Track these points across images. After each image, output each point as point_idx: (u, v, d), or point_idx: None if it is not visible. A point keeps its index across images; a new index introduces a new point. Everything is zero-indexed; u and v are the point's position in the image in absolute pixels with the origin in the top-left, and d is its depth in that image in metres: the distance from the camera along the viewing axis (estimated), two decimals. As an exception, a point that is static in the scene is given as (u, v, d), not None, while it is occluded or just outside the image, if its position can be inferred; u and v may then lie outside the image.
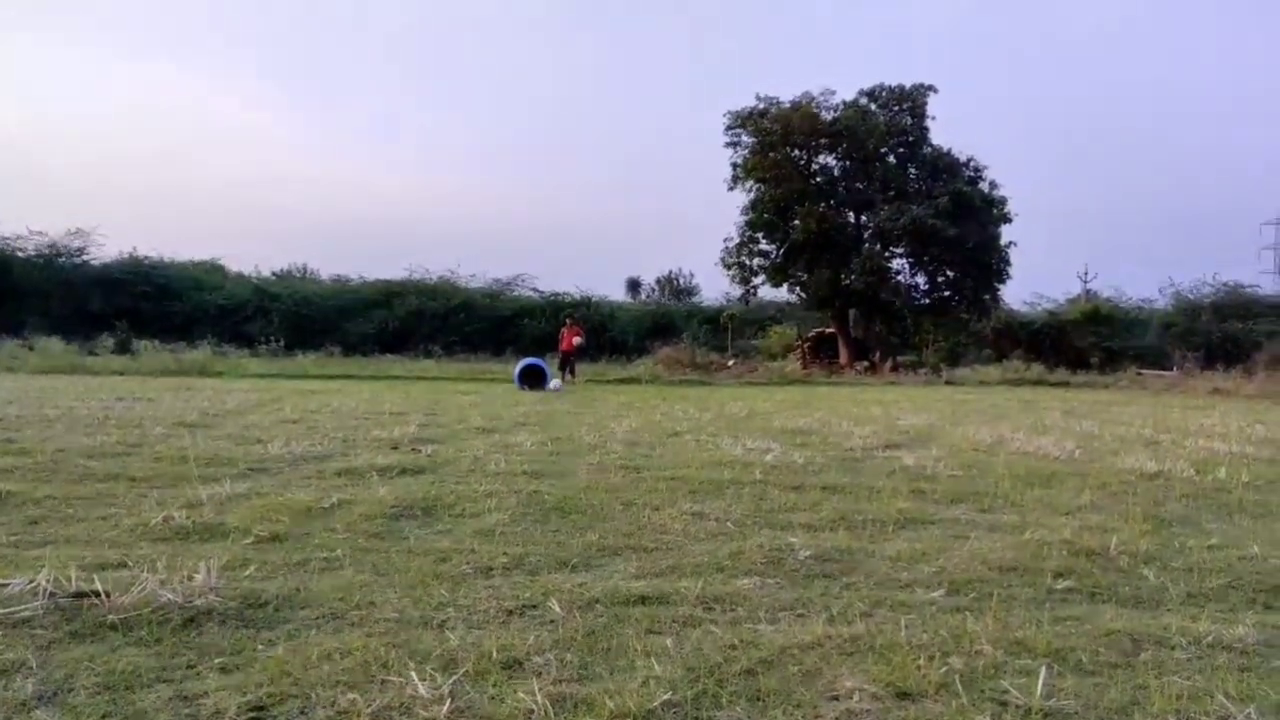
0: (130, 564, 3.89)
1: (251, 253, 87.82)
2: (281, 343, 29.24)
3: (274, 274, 39.38)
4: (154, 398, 13.40)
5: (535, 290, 38.74)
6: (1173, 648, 3.19)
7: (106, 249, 34.05)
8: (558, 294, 38.15)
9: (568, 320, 24.75)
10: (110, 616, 3.16)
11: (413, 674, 2.71)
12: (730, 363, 30.12)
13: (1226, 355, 31.29)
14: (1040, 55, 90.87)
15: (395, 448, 8.03)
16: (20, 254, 32.35)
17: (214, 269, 37.10)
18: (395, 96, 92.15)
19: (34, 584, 3.40)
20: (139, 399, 13.04)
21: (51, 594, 3.34)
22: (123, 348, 26.17)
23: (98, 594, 3.30)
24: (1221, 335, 33.89)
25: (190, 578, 3.55)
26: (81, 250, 33.29)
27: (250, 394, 14.83)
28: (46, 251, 32.66)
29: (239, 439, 8.46)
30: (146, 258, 34.78)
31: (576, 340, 23.25)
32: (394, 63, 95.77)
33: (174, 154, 73.13)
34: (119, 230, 70.21)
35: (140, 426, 9.17)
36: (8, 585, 3.44)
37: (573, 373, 23.04)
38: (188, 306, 32.85)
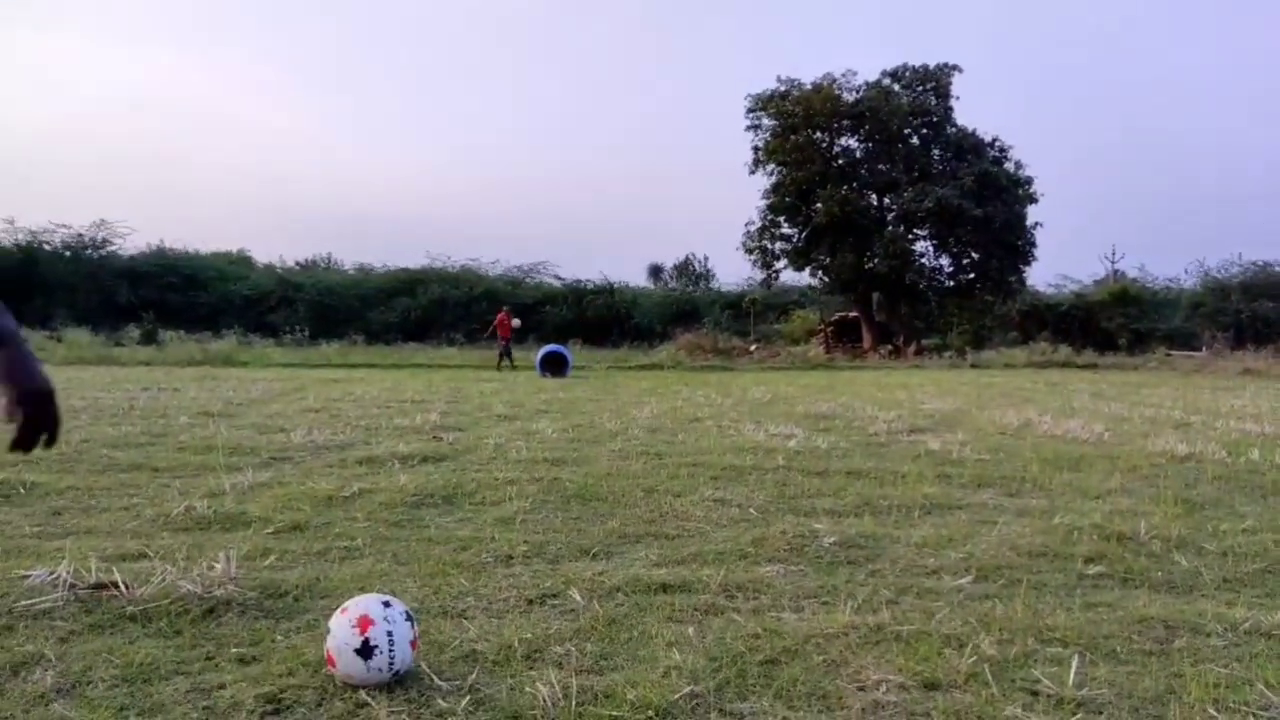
0: (151, 555, 3.89)
1: (276, 244, 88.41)
2: (306, 332, 29.45)
3: (298, 264, 39.71)
4: (179, 388, 13.50)
5: (557, 277, 38.80)
6: (1208, 635, 3.11)
7: (133, 240, 34.42)
8: (580, 281, 38.17)
9: (504, 308, 24.58)
10: (130, 608, 3.15)
11: (425, 667, 2.67)
12: (752, 348, 30.00)
13: (1256, 335, 30.84)
14: (1066, 34, 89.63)
15: (434, 437, 8.03)
16: (47, 247, 32.74)
17: (239, 260, 37.41)
18: (416, 88, 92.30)
19: (55, 575, 3.40)
20: (164, 389, 13.14)
21: (72, 585, 3.33)
22: (149, 338, 26.45)
23: (117, 585, 3.29)
24: (1251, 315, 33.37)
25: (210, 568, 3.54)
26: (107, 242, 33.62)
27: (274, 383, 14.92)
28: (73, 244, 33.02)
29: (262, 428, 8.49)
30: (172, 249, 35.12)
31: (514, 323, 23.29)
32: (415, 53, 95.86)
33: (199, 147, 73.67)
34: (145, 223, 70.90)
35: (165, 416, 9.23)
36: (29, 577, 3.44)
37: (510, 358, 22.87)
38: (213, 297, 33.14)
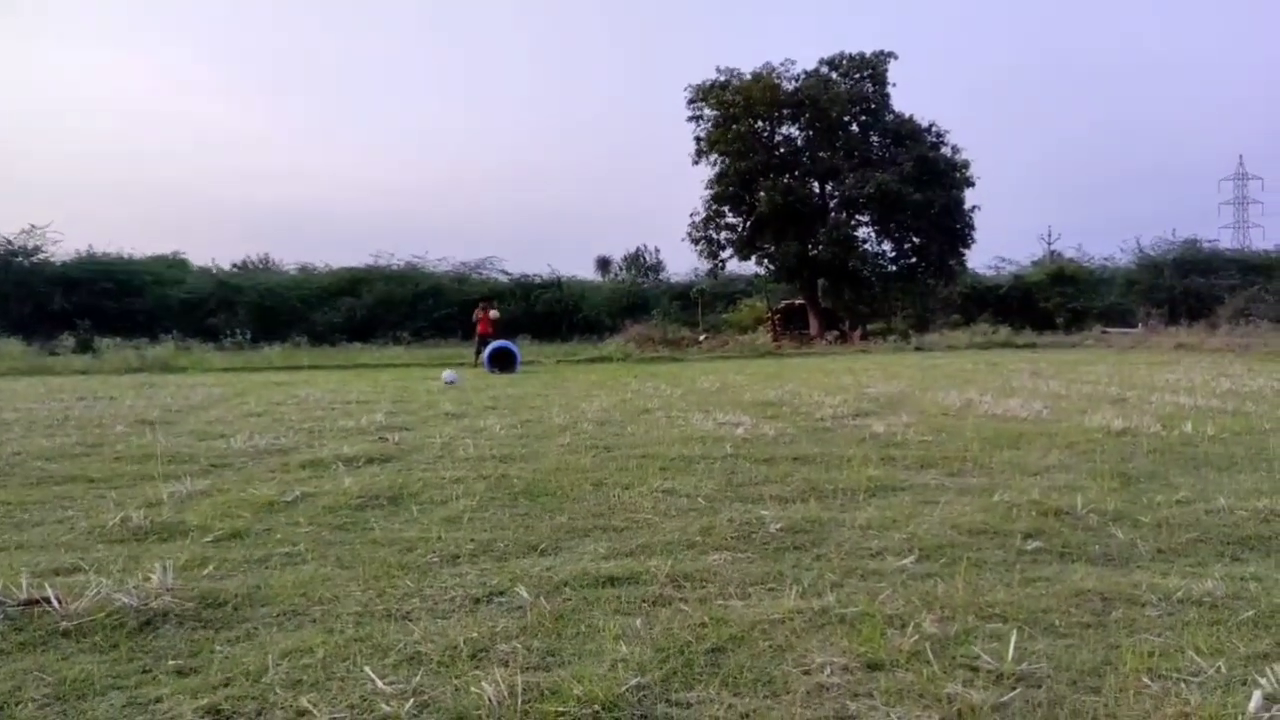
0: (85, 568, 3.78)
1: (210, 246, 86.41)
2: (247, 335, 28.85)
3: (235, 266, 38.79)
4: (116, 396, 13.15)
5: (504, 272, 38.44)
6: (1143, 605, 3.19)
7: (64, 246, 33.31)
8: (527, 275, 37.86)
9: (481, 302, 24.39)
10: (63, 623, 3.06)
11: (369, 671, 2.64)
12: (701, 338, 30.09)
13: (1190, 311, 31.68)
14: (1001, 18, 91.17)
15: (380, 438, 7.92)
16: (-27, 256, 31.61)
17: (175, 263, 36.44)
18: (355, 82, 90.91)
19: (-19, 594, 3.29)
20: (100, 398, 12.79)
21: (1, 603, 3.23)
22: (85, 346, 25.68)
23: (49, 601, 3.20)
24: (1184, 291, 34.28)
25: (147, 579, 3.46)
26: (37, 249, 32.56)
27: (214, 388, 14.60)
28: (1, 252, 31.91)
29: (201, 434, 8.30)
30: (105, 254, 34.09)
31: (493, 314, 23.05)
32: (352, 47, 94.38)
33: (128, 148, 71.76)
34: (74, 228, 68.88)
35: (100, 426, 8.99)
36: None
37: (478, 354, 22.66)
38: (149, 302, 32.27)
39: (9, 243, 32.02)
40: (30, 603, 3.24)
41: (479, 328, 22.78)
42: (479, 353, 21.93)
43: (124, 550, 4.15)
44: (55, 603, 3.19)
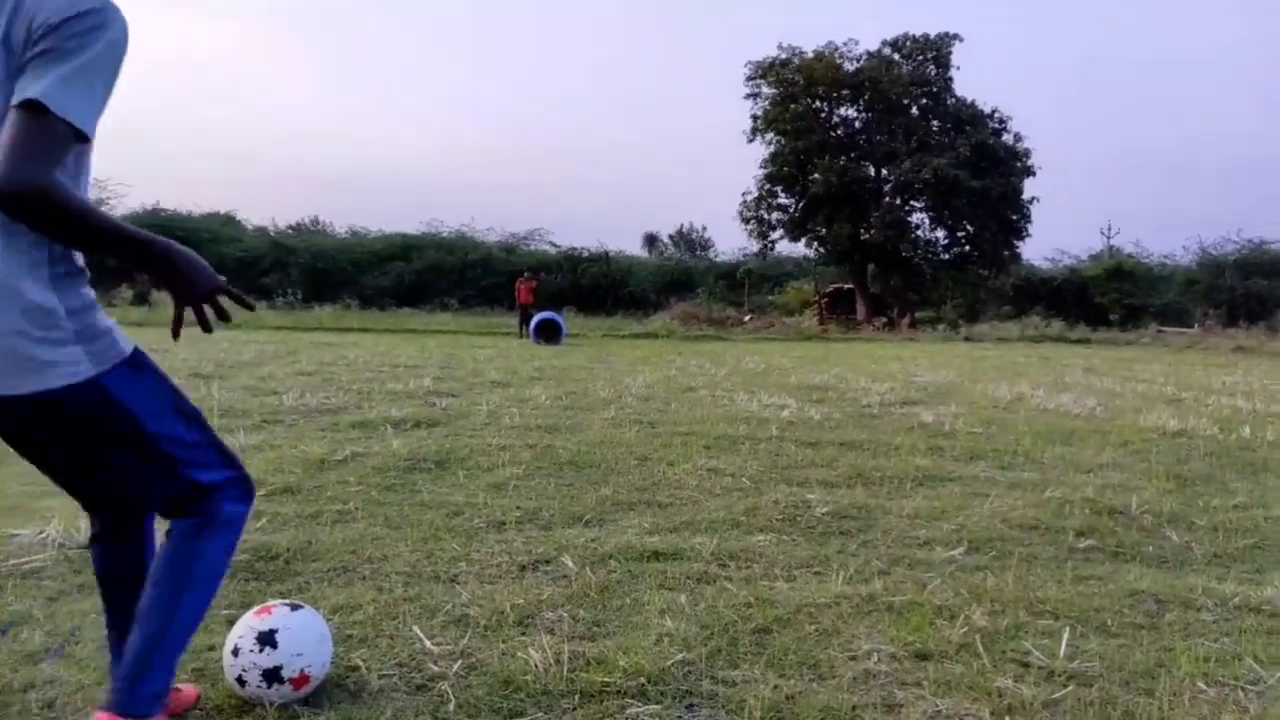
0: (142, 515, 3.86)
1: (262, 207, 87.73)
2: (299, 295, 29.30)
3: (290, 227, 39.36)
4: (170, 349, 13.43)
5: (552, 244, 38.58)
6: (1199, 609, 3.12)
7: (128, 201, 34.06)
8: (575, 248, 37.96)
9: (525, 273, 24.54)
10: (120, 568, 3.13)
11: (418, 630, 2.67)
12: (747, 318, 29.96)
13: (1250, 313, 30.88)
14: (1070, 6, 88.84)
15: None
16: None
17: (228, 221, 37.09)
18: (414, 51, 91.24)
19: (43, 535, 3.39)
20: (155, 350, 13.00)
21: (60, 545, 3.32)
22: (141, 299, 26.28)
23: (108, 545, 3.27)
24: (1245, 293, 33.39)
25: (201, 529, 3.52)
26: (103, 202, 33.29)
27: (267, 346, 14.86)
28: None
29: (254, 390, 8.45)
30: (165, 210, 34.80)
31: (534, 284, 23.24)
32: (412, 18, 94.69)
33: (190, 107, 72.84)
34: (140, 183, 70.26)
35: (156, 378, 9.17)
36: (17, 536, 3.43)
37: (525, 324, 22.78)
38: (206, 259, 32.84)
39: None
40: (88, 546, 3.31)
41: (519, 298, 22.98)
42: (523, 323, 22.08)
43: (179, 499, 4.23)
44: (114, 547, 3.26)
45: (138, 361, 1.83)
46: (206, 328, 1.84)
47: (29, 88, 1.51)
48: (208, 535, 1.91)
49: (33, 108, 1.49)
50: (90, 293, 1.79)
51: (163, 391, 1.87)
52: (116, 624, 2.05)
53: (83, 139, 1.57)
